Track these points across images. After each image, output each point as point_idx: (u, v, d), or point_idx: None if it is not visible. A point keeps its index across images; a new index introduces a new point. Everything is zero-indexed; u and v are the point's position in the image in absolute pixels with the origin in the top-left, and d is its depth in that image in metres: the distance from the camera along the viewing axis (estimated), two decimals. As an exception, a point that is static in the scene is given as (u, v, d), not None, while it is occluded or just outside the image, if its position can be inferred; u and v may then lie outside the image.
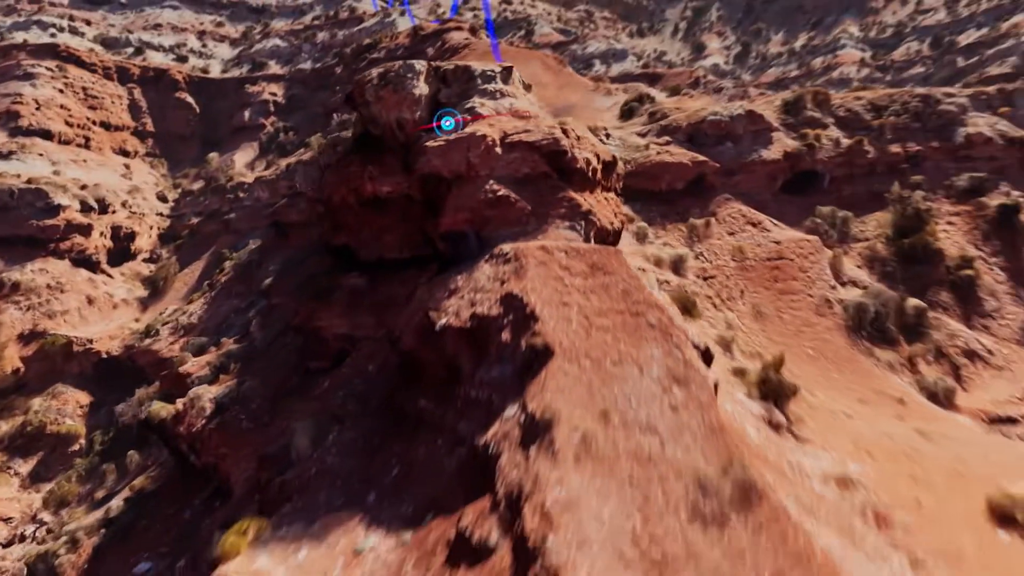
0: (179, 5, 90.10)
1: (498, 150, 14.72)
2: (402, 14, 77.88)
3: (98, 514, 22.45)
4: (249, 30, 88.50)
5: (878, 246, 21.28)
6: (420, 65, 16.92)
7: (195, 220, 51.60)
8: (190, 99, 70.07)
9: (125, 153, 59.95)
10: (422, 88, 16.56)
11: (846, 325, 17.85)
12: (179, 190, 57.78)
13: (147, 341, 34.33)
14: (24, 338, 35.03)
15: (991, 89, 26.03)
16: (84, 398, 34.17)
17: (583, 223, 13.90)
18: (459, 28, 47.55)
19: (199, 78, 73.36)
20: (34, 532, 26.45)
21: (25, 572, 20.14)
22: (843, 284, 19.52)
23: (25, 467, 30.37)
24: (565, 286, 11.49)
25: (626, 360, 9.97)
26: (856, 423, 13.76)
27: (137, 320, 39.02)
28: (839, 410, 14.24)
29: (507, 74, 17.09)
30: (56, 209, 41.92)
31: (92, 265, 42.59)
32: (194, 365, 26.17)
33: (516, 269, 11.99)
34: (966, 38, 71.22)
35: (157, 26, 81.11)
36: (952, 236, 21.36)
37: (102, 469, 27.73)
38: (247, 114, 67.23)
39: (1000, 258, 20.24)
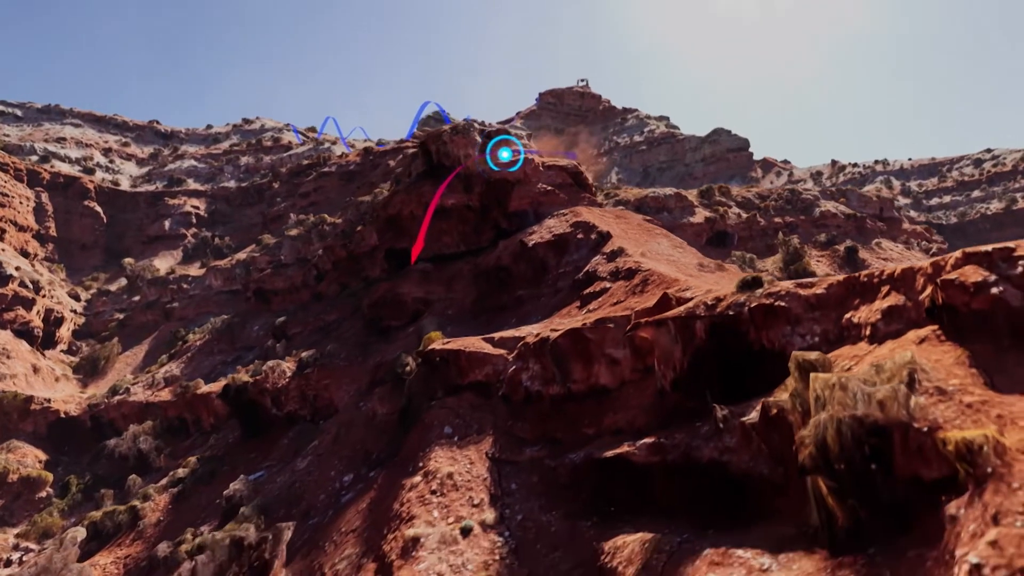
0: (81, 123, 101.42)
1: (541, 168, 27.86)
2: (335, 142, 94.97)
3: (163, 481, 27.27)
4: (158, 151, 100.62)
5: (776, 273, 35.86)
6: (475, 124, 30.34)
7: (119, 315, 57.36)
8: (98, 208, 78.07)
9: (25, 255, 65.53)
10: (478, 137, 29.80)
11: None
12: (91, 290, 63.46)
13: (116, 398, 39.17)
14: None
15: (833, 188, 44.74)
16: (41, 454, 37.11)
17: (596, 205, 26.85)
18: (414, 146, 63.48)
19: (110, 189, 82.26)
20: (20, 558, 29.25)
21: (86, 533, 24.53)
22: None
23: None
24: (606, 220, 24.12)
25: (650, 241, 22.49)
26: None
27: (83, 391, 43.18)
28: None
29: (526, 133, 31.03)
30: (7, 279, 46.91)
31: (32, 339, 46.58)
32: (213, 386, 33.48)
33: (575, 212, 24.44)
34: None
35: (61, 139, 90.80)
36: (820, 266, 36.61)
37: (99, 494, 31.34)
38: (167, 224, 76.13)
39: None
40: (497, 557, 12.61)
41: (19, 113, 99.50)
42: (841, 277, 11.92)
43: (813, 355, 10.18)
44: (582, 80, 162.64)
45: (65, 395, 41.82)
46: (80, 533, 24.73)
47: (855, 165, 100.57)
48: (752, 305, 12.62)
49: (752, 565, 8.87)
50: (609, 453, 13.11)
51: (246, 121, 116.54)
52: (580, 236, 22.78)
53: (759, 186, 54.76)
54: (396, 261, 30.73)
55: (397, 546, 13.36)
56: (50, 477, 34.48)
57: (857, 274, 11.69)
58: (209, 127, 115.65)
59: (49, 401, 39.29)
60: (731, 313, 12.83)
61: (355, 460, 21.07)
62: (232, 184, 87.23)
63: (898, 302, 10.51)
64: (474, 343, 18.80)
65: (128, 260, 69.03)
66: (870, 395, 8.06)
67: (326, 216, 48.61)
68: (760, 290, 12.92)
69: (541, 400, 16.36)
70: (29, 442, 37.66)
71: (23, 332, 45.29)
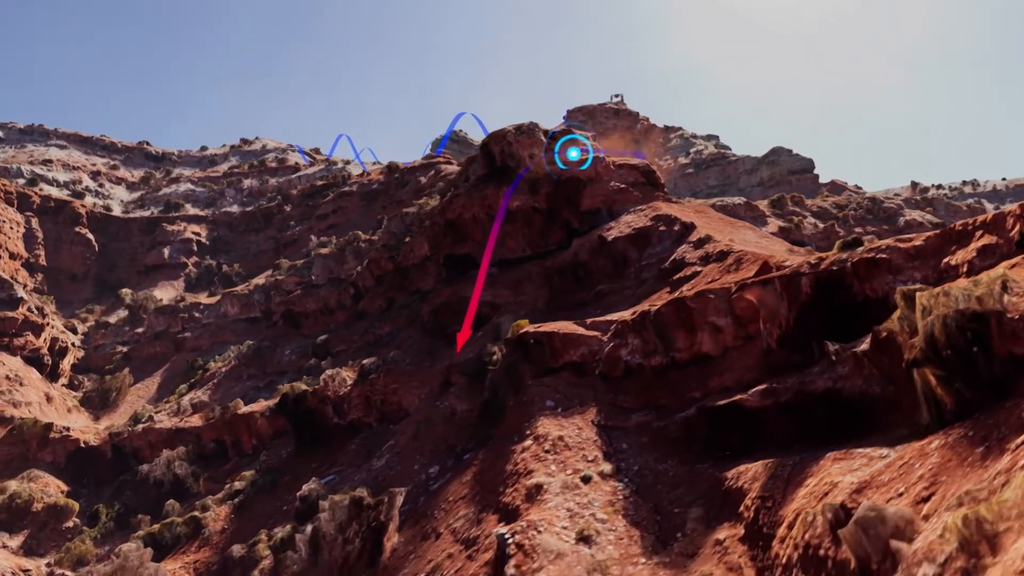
0: (66, 144, 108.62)
1: (612, 167, 31.95)
2: (348, 163, 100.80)
3: (219, 495, 30.58)
4: (149, 175, 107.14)
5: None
6: (538, 126, 34.66)
7: (122, 347, 61.73)
8: (90, 236, 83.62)
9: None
10: (543, 137, 34.08)
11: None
12: (87, 323, 68.13)
13: (140, 426, 42.79)
14: None
15: (918, 197, 48.42)
16: (62, 485, 40.55)
17: (671, 203, 30.77)
18: (448, 162, 68.45)
19: (102, 215, 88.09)
20: (57, 585, 32.62)
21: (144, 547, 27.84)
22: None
23: (13, 542, 35.73)
24: (686, 214, 28.00)
25: (735, 231, 26.27)
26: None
27: (96, 423, 46.95)
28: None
29: (586, 132, 35.33)
30: (18, 302, 51.48)
31: (42, 367, 50.70)
32: (255, 406, 37.27)
33: (653, 207, 28.35)
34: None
35: (47, 161, 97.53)
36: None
37: (135, 520, 34.58)
38: (167, 252, 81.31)
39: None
40: (620, 497, 15.98)
41: (1, 135, 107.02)
42: (938, 230, 15.49)
43: (916, 286, 13.72)
44: (616, 96, 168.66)
45: (82, 425, 45.76)
46: (134, 546, 28.30)
47: (939, 187, 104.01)
48: (855, 259, 16.20)
49: (871, 456, 12.28)
50: (722, 402, 16.56)
51: (244, 141, 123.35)
52: (662, 228, 26.59)
53: (836, 196, 58.54)
54: (455, 267, 34.65)
55: (520, 495, 16.75)
56: (76, 506, 38.10)
57: (953, 224, 15.25)
58: (204, 148, 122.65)
59: (68, 430, 43.23)
60: (835, 268, 16.42)
61: (438, 453, 24.54)
62: (235, 208, 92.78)
63: (991, 241, 14.04)
64: (566, 326, 22.47)
65: (125, 291, 73.98)
66: (969, 294, 11.60)
67: (360, 233, 53.02)
68: (861, 248, 16.53)
69: (643, 371, 19.87)
70: (49, 472, 41.43)
71: (33, 360, 49.64)
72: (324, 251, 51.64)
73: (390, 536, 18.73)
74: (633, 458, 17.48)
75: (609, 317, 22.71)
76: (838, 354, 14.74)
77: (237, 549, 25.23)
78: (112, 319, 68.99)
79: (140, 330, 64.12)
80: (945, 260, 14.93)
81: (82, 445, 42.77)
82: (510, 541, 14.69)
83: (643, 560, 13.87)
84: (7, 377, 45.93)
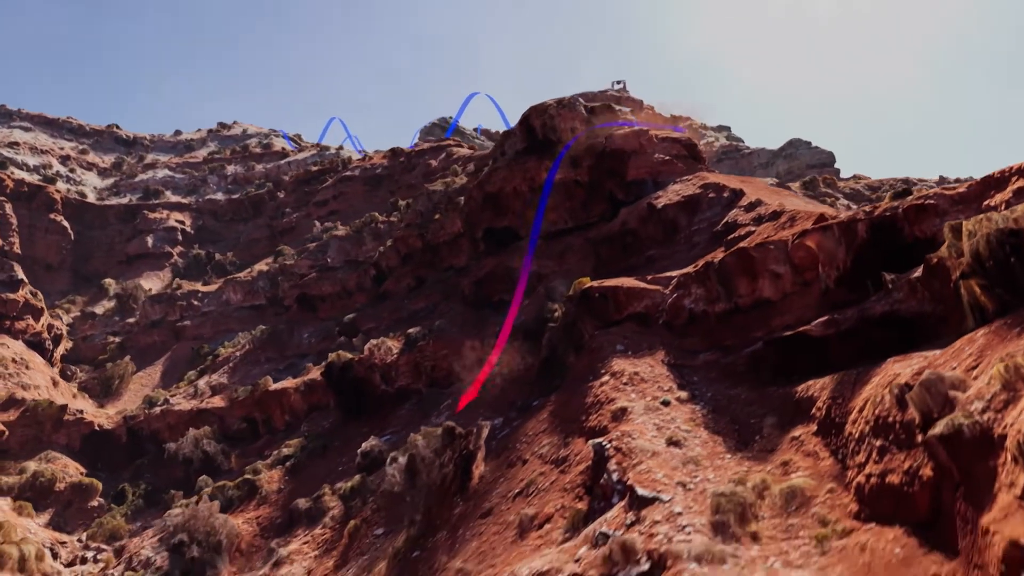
0: (31, 127, 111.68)
1: (655, 139, 36.26)
2: (339, 149, 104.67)
3: (268, 460, 34.27)
4: (121, 160, 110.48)
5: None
6: (579, 99, 38.92)
7: (114, 338, 65.20)
8: (66, 223, 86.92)
9: (-9, 272, 73.92)
10: (583, 111, 38.35)
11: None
12: (71, 314, 71.55)
13: (157, 409, 46.25)
14: (2, 404, 45.21)
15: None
16: (79, 467, 43.81)
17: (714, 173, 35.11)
18: (459, 145, 72.67)
19: (77, 202, 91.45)
20: (95, 556, 36.05)
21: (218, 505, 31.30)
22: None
23: (39, 519, 38.99)
24: (732, 182, 32.38)
25: (783, 197, 30.68)
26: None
27: (101, 408, 50.32)
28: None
29: (629, 109, 39.65)
30: (18, 284, 54.71)
31: (44, 352, 54.01)
32: (287, 383, 41.13)
33: (700, 176, 32.69)
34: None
35: (14, 144, 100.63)
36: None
37: (167, 495, 38.06)
38: (150, 241, 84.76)
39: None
40: (699, 415, 20.13)
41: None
42: (979, 177, 19.80)
43: (962, 219, 17.98)
44: (618, 82, 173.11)
45: (91, 409, 49.31)
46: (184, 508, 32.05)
47: (970, 179, 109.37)
48: (906, 206, 20.48)
49: (927, 355, 16.50)
50: (787, 333, 20.75)
51: (223, 126, 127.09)
52: (712, 195, 30.86)
53: (867, 177, 63.18)
54: (495, 240, 38.75)
55: (606, 417, 20.83)
56: (100, 486, 41.73)
57: (991, 172, 19.56)
58: (178, 133, 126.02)
59: (82, 412, 46.84)
60: (888, 214, 20.69)
61: (500, 408, 28.59)
62: (220, 196, 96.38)
63: (1024, 184, 18.34)
64: (628, 281, 26.64)
65: (109, 281, 77.46)
66: (1007, 217, 15.86)
67: (376, 215, 56.97)
68: (910, 196, 20.83)
69: (706, 317, 24.07)
70: (64, 454, 44.94)
71: (35, 344, 53.18)
72: (339, 233, 55.51)
73: (478, 464, 22.74)
74: (705, 387, 21.62)
75: (668, 274, 26.91)
76: (894, 283, 18.98)
77: (302, 502, 29.15)
78: (98, 309, 72.45)
79: (132, 320, 67.68)
80: (985, 203, 19.20)
81: (96, 428, 46.37)
82: (608, 446, 18.76)
83: (728, 456, 18.00)
84: (13, 360, 49.40)
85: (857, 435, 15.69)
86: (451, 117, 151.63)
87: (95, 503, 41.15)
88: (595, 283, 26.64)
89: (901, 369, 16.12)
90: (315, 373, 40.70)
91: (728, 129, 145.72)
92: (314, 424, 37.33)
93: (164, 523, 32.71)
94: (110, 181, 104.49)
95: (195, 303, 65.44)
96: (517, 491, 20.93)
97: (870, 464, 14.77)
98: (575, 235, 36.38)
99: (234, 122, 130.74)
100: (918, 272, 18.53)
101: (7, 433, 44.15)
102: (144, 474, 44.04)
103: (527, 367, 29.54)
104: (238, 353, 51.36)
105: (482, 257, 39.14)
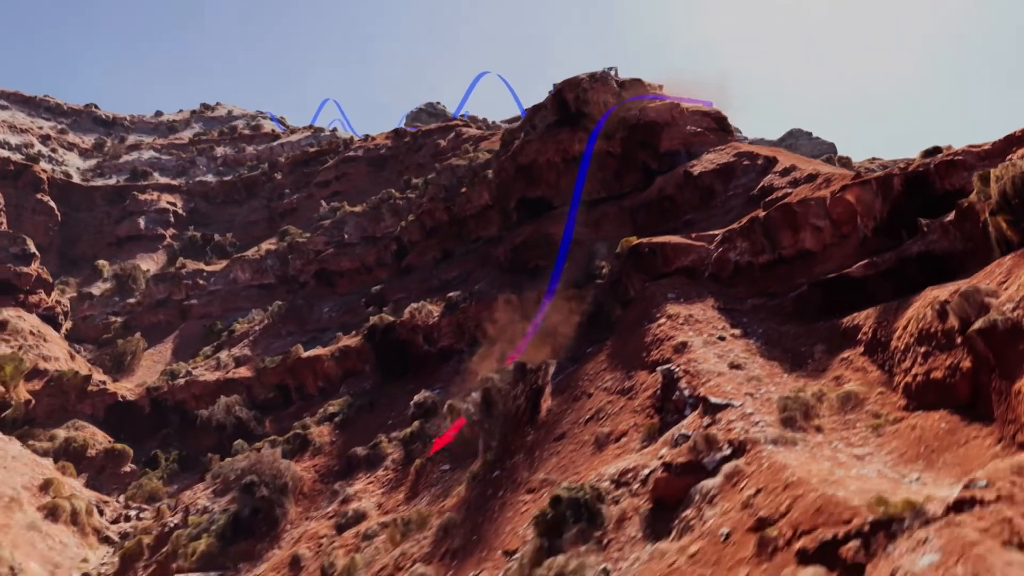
0: (7, 104, 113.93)
1: (687, 112, 40.22)
2: (333, 132, 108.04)
3: (315, 417, 37.73)
4: (101, 141, 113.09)
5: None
6: (611, 75, 42.76)
7: (115, 318, 68.26)
8: (52, 204, 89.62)
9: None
10: (615, 85, 42.23)
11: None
12: (67, 295, 74.42)
13: (181, 380, 49.44)
14: (26, 375, 48.13)
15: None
16: (105, 436, 46.80)
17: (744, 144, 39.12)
18: (467, 125, 76.39)
19: (63, 182, 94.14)
20: (137, 515, 39.30)
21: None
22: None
23: (76, 483, 42.12)
24: (764, 150, 36.44)
25: (813, 164, 34.77)
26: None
27: (115, 383, 53.36)
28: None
29: (658, 84, 43.60)
30: (31, 257, 57.55)
31: (57, 326, 56.92)
32: (319, 350, 44.67)
33: (732, 146, 36.70)
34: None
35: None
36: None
37: (205, 458, 41.28)
38: (142, 222, 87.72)
39: None
40: (754, 347, 24.00)
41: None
42: (1003, 135, 23.85)
43: (988, 170, 21.98)
44: (610, 68, 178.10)
45: (112, 382, 52.49)
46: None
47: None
48: (937, 162, 24.48)
49: (960, 282, 20.47)
50: (831, 275, 24.68)
51: (206, 107, 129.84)
52: (746, 163, 34.81)
53: (881, 159, 67.72)
54: (528, 210, 42.51)
55: (667, 351, 24.61)
56: (131, 452, 45.03)
57: (1013, 131, 23.59)
58: (159, 114, 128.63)
59: (105, 383, 50.03)
60: (921, 169, 24.68)
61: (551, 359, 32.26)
62: (210, 178, 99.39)
63: (1043, 139, 22.34)
64: (674, 238, 30.50)
65: (102, 262, 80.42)
66: (1030, 162, 19.87)
67: (393, 191, 60.54)
68: (940, 154, 24.83)
69: (751, 268, 27.97)
70: (89, 424, 48.12)
71: (48, 318, 56.24)
72: (356, 210, 59.01)
73: (546, 399, 26.46)
74: (755, 325, 25.50)
75: (710, 232, 30.82)
76: (928, 226, 22.95)
77: (359, 450, 32.76)
78: (95, 290, 75.38)
79: (132, 300, 70.73)
80: (1008, 157, 23.19)
81: (120, 399, 49.62)
82: (676, 370, 22.56)
83: (785, 375, 21.88)
84: (31, 332, 52.50)
85: (902, 347, 19.60)
86: (439, 102, 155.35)
87: (127, 468, 44.44)
88: (644, 240, 30.44)
89: (939, 291, 20.03)
90: (348, 340, 44.26)
91: (724, 118, 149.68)
92: (352, 387, 40.81)
93: (221, 472, 36.18)
94: (92, 162, 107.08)
95: (200, 282, 68.60)
96: (587, 417, 24.68)
97: (915, 367, 18.67)
98: (609, 204, 40.21)
99: (217, 103, 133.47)
100: (950, 216, 22.49)
101: (33, 402, 47.28)
102: (171, 443, 47.31)
103: (572, 323, 33.25)
104: (257, 327, 54.70)
105: (514, 227, 42.86)
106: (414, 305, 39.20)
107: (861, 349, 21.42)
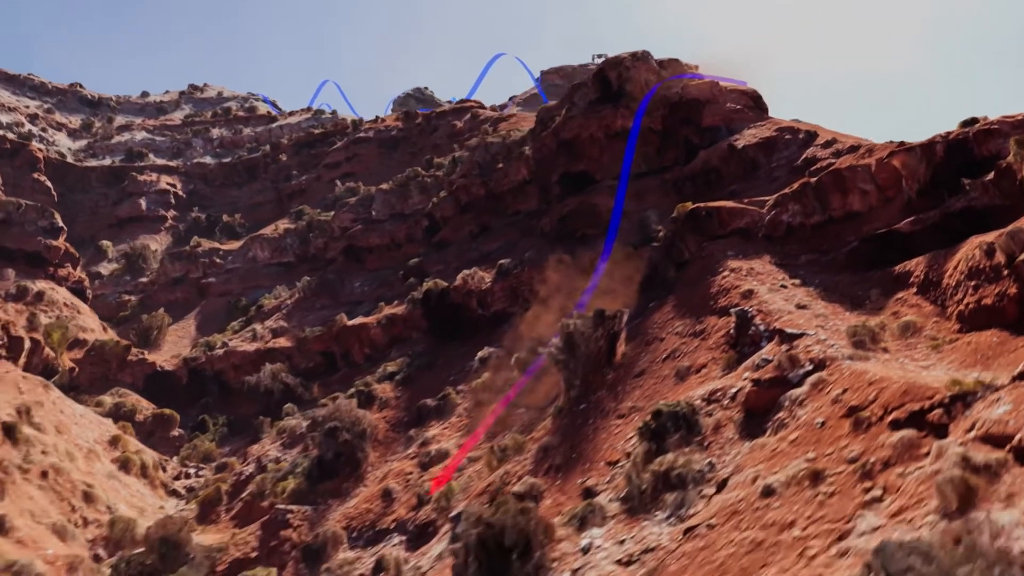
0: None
1: (726, 91, 45.06)
2: (334, 113, 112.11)
3: (375, 376, 41.99)
4: (89, 121, 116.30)
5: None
6: (651, 55, 47.48)
7: (128, 297, 72.09)
8: (49, 184, 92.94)
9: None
10: (655, 64, 46.97)
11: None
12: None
13: (219, 351, 53.40)
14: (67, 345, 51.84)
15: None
16: (148, 403, 50.59)
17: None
18: (481, 107, 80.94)
19: (58, 162, 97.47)
20: (196, 472, 43.34)
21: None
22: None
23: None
24: (803, 126, 41.34)
25: (851, 138, 39.70)
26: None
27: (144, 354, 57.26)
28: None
29: (695, 64, 48.41)
30: (59, 231, 61.06)
31: (85, 299, 60.48)
32: (364, 319, 49.02)
33: (773, 122, 41.57)
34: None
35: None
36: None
37: (257, 421, 45.26)
38: (144, 204, 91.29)
39: None
40: (814, 293, 28.70)
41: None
42: (1033, 107, 28.69)
43: (1024, 135, 26.82)
44: (599, 56, 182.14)
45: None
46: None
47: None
48: (975, 131, 29.31)
49: (1001, 230, 25.29)
50: (881, 230, 29.44)
51: (195, 88, 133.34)
52: (788, 137, 39.57)
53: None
54: (571, 184, 47.10)
55: (735, 298, 29.24)
56: (178, 416, 49.08)
57: (1043, 103, 28.38)
58: (145, 94, 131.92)
59: (143, 352, 54.00)
60: (960, 137, 29.50)
61: (608, 317, 36.81)
62: (208, 160, 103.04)
63: (1070, 110, 27.24)
64: (728, 203, 35.20)
65: (106, 243, 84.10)
66: (1062, 126, 24.72)
67: (419, 170, 64.93)
68: (977, 124, 29.70)
69: (803, 228, 32.69)
70: (131, 392, 52.10)
71: (78, 292, 59.96)
72: (384, 187, 63.32)
73: (620, 343, 31.02)
74: (812, 276, 30.22)
75: (760, 199, 35.55)
76: (970, 185, 27.77)
77: (429, 401, 37.18)
78: (102, 270, 79.07)
79: (144, 279, 74.48)
80: (1040, 126, 28.09)
81: (158, 369, 53.58)
82: (750, 310, 27.20)
83: (847, 313, 26.59)
84: (65, 304, 56.29)
85: (953, 284, 24.39)
86: (426, 88, 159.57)
87: (175, 432, 48.50)
88: (700, 204, 35.12)
89: (984, 237, 24.81)
90: (393, 309, 48.65)
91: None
92: (403, 350, 45.19)
93: (287, 428, 40.49)
94: (82, 143, 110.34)
95: (217, 261, 72.51)
96: (664, 356, 29.29)
97: (967, 298, 23.45)
98: (651, 177, 44.89)
99: (204, 84, 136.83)
100: (990, 176, 27.31)
101: (77, 370, 51.14)
102: (210, 410, 51.39)
103: (630, 282, 37.77)
104: (289, 302, 58.85)
105: (555, 200, 47.41)
106: (466, 272, 43.62)
107: (914, 290, 26.16)
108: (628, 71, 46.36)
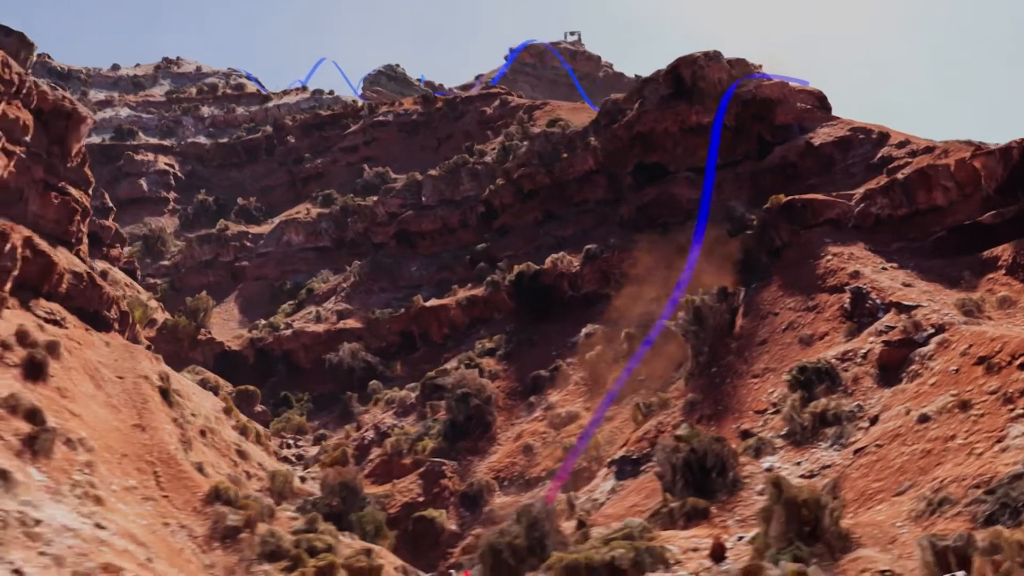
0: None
1: (795, 91, 53.80)
2: (330, 93, 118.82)
3: (473, 352, 49.53)
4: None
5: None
6: (722, 54, 55.94)
7: (152, 279, 78.52)
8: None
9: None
10: (726, 63, 55.49)
11: None
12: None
13: (287, 332, 60.35)
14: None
15: None
16: (221, 380, 57.32)
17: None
18: (509, 94, 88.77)
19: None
20: (294, 442, 50.54)
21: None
22: None
23: None
24: (874, 127, 50.24)
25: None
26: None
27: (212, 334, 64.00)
28: None
29: (758, 64, 57.19)
30: (108, 211, 67.12)
31: (136, 279, 66.64)
32: (444, 300, 56.92)
33: (846, 122, 50.41)
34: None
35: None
36: None
37: (345, 396, 52.37)
38: (145, 184, 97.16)
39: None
40: (913, 275, 37.27)
41: None
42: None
43: (1092, 144, 35.69)
44: (572, 33, 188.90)
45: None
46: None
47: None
48: (1046, 137, 38.25)
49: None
50: (966, 222, 38.17)
51: (170, 62, 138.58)
52: (861, 136, 48.23)
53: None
54: (645, 175, 55.36)
55: (843, 278, 37.64)
56: (260, 393, 56.31)
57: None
58: (116, 67, 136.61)
59: (211, 332, 60.94)
60: (1033, 143, 38.42)
61: (706, 297, 45.11)
62: (203, 140, 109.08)
63: None
64: (819, 195, 43.76)
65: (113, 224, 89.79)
66: None
67: (467, 157, 72.58)
68: (1048, 132, 38.58)
69: (891, 220, 41.32)
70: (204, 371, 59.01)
71: (129, 272, 66.39)
72: (434, 173, 70.85)
73: (739, 317, 39.31)
74: (905, 261, 38.80)
75: (844, 192, 44.18)
76: (1046, 183, 36.66)
77: (543, 372, 45.11)
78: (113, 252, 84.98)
79: (166, 262, 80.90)
80: (1101, 136, 37.06)
81: (226, 348, 60.57)
82: (864, 286, 35.64)
83: (947, 290, 35.19)
84: (125, 284, 62.83)
85: (1041, 266, 33.16)
86: (398, 65, 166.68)
87: (259, 408, 55.62)
88: (795, 196, 43.61)
89: (1064, 228, 33.62)
90: (472, 291, 56.48)
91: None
92: (489, 331, 52.97)
93: (395, 398, 48.01)
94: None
95: (248, 244, 79.24)
96: (783, 328, 37.66)
97: (1054, 277, 32.21)
98: (725, 170, 53.27)
99: (179, 58, 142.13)
100: (1064, 175, 36.30)
101: (153, 348, 57.87)
102: (281, 388, 58.60)
103: (722, 267, 46.02)
104: (345, 285, 66.13)
105: (627, 190, 55.59)
106: (554, 256, 51.51)
107: (1003, 271, 34.86)
108: (702, 69, 54.63)
